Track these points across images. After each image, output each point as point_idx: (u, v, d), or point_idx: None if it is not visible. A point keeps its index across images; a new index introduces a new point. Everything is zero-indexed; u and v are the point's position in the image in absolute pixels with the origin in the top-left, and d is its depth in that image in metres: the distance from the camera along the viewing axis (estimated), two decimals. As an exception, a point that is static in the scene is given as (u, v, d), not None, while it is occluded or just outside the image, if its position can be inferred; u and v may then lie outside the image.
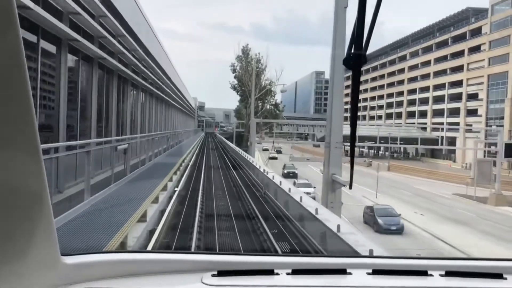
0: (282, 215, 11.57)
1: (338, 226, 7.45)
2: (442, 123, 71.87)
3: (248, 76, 54.52)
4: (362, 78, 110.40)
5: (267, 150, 59.53)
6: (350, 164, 1.73)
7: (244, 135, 55.57)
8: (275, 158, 58.50)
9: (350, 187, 2.05)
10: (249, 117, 51.82)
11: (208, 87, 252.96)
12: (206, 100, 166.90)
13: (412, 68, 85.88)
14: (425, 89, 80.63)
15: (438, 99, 76.59)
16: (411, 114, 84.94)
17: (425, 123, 78.16)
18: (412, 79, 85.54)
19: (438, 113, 75.98)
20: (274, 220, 11.35)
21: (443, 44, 76.49)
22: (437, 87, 76.77)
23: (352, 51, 1.33)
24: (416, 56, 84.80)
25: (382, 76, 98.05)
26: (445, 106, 73.59)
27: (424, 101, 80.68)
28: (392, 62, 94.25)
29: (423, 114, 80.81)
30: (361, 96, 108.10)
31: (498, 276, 1.67)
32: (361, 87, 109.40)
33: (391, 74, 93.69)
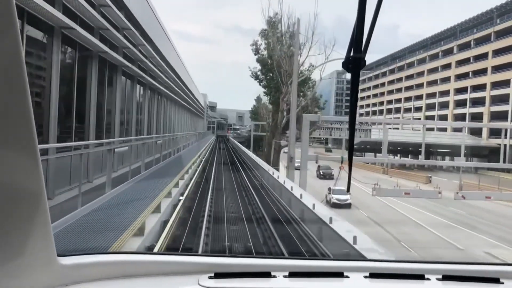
0: None
1: None
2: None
3: (282, 49, 38.85)
4: (394, 77, 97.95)
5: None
6: (348, 168, 1.69)
7: (275, 142, 39.94)
8: (347, 205, 28.45)
9: (348, 190, 1.93)
10: (283, 114, 37.41)
11: (221, 89, 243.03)
12: (219, 101, 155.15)
13: (461, 63, 72.69)
14: (478, 88, 67.45)
15: (498, 99, 63.44)
16: (459, 118, 71.73)
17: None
18: (461, 76, 72.34)
19: (497, 115, 62.68)
20: None
21: (505, 33, 63.27)
22: (497, 84, 63.57)
23: (351, 54, 1.32)
24: (467, 49, 71.58)
25: (420, 74, 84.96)
26: (510, 107, 60.29)
27: (478, 102, 67.44)
28: (434, 57, 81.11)
29: (475, 117, 67.56)
30: (392, 97, 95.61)
31: (495, 280, 1.66)
32: (394, 87, 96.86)
33: (433, 70, 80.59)
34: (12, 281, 1.33)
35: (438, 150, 62.54)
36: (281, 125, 38.67)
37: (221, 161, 36.17)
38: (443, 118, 74.87)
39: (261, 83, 46.04)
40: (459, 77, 72.86)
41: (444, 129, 72.07)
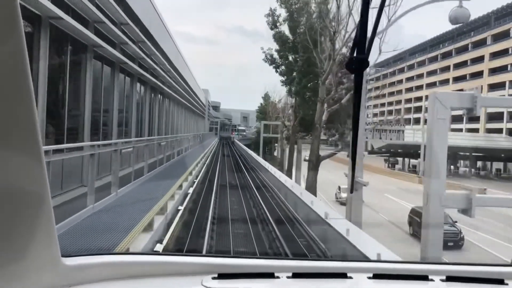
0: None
1: None
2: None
3: (322, 7, 24.75)
4: (413, 73, 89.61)
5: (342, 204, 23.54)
6: (351, 169, 1.80)
7: (312, 152, 26.00)
8: None
9: (351, 192, 1.97)
10: (323, 105, 24.44)
11: (225, 90, 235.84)
12: (222, 103, 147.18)
13: (497, 54, 64.23)
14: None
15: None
16: (493, 117, 63.36)
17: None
18: (497, 70, 63.90)
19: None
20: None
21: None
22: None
23: (355, 55, 1.32)
24: (505, 39, 63.00)
25: (445, 69, 76.52)
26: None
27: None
28: (462, 50, 72.61)
29: (515, 116, 59.20)
30: (411, 95, 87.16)
31: (499, 281, 1.65)
32: (413, 84, 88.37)
33: (460, 65, 72.22)
34: (16, 282, 1.31)
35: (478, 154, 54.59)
36: (320, 123, 25.33)
37: (225, 182, 22.53)
38: (474, 118, 66.37)
39: (278, 69, 34.06)
40: (494, 71, 64.37)
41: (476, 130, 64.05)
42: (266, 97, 75.46)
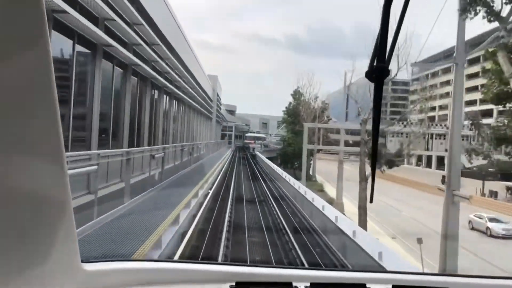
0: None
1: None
2: None
3: None
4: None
5: None
6: (371, 179, 1.66)
7: None
8: None
9: (371, 201, 1.81)
10: None
11: (242, 98, 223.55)
12: (238, 110, 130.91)
13: None
14: None
15: None
16: None
17: None
18: None
19: None
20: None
21: None
22: None
23: (375, 64, 1.31)
24: None
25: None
26: None
27: None
28: None
29: None
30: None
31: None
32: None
33: None
34: (37, 286, 1.32)
35: None
36: None
37: None
38: None
39: None
40: None
41: None
42: (296, 94, 57.37)
